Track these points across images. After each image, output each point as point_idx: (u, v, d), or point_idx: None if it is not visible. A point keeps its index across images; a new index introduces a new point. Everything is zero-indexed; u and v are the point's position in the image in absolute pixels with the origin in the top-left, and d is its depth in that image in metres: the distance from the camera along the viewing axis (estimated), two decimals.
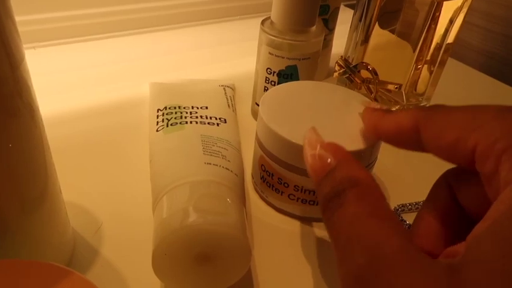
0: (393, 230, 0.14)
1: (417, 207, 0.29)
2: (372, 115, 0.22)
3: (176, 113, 0.30)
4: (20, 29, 0.17)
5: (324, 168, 0.18)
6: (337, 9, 0.41)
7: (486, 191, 0.15)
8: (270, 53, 0.32)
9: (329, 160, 0.18)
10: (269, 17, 0.33)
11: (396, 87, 0.36)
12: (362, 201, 0.16)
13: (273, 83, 0.33)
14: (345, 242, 0.15)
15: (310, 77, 0.34)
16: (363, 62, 0.37)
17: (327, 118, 0.27)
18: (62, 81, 0.40)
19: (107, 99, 0.38)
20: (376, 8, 0.35)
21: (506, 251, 0.12)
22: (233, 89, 0.38)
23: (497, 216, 0.13)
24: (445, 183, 0.18)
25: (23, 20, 0.43)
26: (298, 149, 0.25)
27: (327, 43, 0.42)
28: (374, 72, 0.36)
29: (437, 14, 0.33)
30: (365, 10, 0.36)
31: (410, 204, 0.30)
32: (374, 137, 0.22)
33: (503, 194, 0.14)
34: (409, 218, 0.29)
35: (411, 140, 0.18)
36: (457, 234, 0.18)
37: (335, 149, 0.19)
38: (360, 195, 0.16)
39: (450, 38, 0.35)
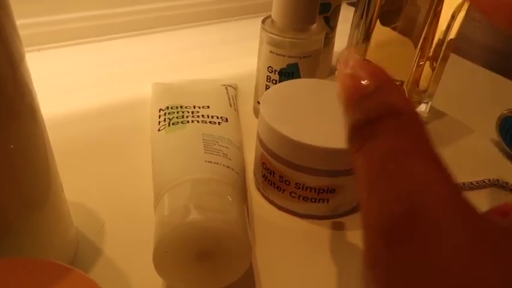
0: (442, 174, 0.11)
1: None
2: None
3: (178, 112, 0.30)
4: (25, 31, 0.17)
5: (358, 91, 0.14)
6: (338, 7, 0.41)
7: None
8: (271, 52, 0.32)
9: (366, 82, 0.14)
10: (270, 16, 0.33)
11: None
12: (403, 134, 0.12)
13: (274, 82, 0.34)
14: (376, 183, 0.12)
15: (312, 75, 0.34)
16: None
17: (328, 116, 0.27)
18: (67, 83, 0.40)
19: (110, 100, 0.38)
20: (377, 5, 0.35)
21: None
22: (235, 88, 0.38)
23: None
24: None
25: (27, 22, 0.43)
26: (299, 147, 0.25)
27: (329, 41, 0.42)
28: None
29: (439, 9, 0.33)
30: (366, 7, 0.36)
31: None
32: None
33: None
34: None
35: None
36: None
37: (374, 70, 0.14)
38: (401, 126, 0.12)
39: (452, 34, 0.35)
